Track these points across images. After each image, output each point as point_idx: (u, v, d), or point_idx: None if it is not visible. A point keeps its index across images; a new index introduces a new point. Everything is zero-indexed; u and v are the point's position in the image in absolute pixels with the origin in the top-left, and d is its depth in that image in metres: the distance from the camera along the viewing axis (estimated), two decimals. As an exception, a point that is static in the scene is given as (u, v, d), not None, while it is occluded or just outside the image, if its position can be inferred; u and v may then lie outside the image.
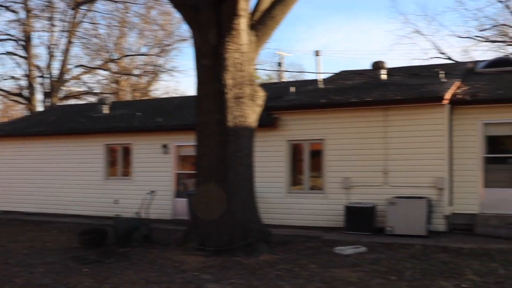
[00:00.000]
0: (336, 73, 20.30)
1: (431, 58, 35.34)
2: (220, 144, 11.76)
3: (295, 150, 16.15)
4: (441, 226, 13.98)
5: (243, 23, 11.87)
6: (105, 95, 35.48)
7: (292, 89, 17.57)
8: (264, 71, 46.46)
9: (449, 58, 34.44)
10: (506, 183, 14.23)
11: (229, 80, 11.78)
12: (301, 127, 15.80)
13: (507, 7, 34.39)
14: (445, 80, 15.77)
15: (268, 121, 15.73)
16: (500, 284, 8.59)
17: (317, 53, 18.86)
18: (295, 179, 16.18)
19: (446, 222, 14.07)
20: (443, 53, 36.06)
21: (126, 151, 19.09)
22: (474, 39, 35.51)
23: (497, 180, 14.29)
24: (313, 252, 11.62)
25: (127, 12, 37.52)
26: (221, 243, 11.23)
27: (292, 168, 16.13)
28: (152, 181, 17.63)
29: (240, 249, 11.12)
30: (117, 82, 39.68)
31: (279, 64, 26.57)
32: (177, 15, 32.89)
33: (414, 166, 14.30)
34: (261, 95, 12.35)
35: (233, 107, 11.76)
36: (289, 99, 16.67)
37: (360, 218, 14.19)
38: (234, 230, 11.43)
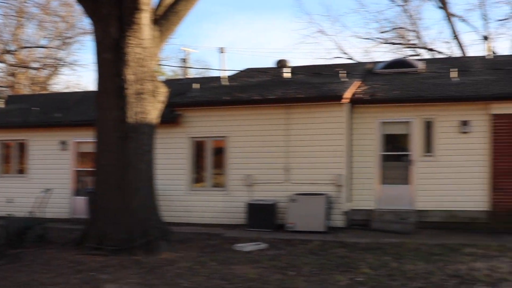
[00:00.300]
0: (240, 71, 20.37)
1: (334, 57, 36.28)
2: (120, 140, 11.47)
3: (198, 147, 16.04)
4: (340, 222, 14.35)
5: (145, 17, 11.63)
6: (0, 88, 33.76)
7: (196, 85, 17.46)
8: (170, 67, 46.01)
9: (351, 58, 35.54)
10: (400, 179, 14.83)
11: (130, 76, 11.51)
12: (204, 124, 15.73)
13: (406, 11, 35.91)
14: (345, 79, 16.21)
15: (170, 117, 15.54)
16: (391, 276, 8.92)
17: (221, 50, 18.83)
18: (198, 177, 16.08)
19: (344, 218, 14.46)
20: (345, 53, 37.14)
21: (22, 147, 18.25)
22: (375, 40, 36.84)
23: (392, 177, 14.88)
24: (214, 249, 11.59)
25: (25, 2, 35.86)
26: (120, 242, 10.94)
27: (195, 165, 16.02)
28: (49, 179, 16.94)
29: (140, 247, 10.89)
30: (13, 75, 37.84)
31: (184, 60, 26.28)
32: (78, 7, 31.82)
33: (315, 163, 14.60)
34: (163, 91, 12.15)
35: (133, 103, 11.50)
36: (192, 95, 16.54)
37: (262, 215, 14.31)
38: (133, 228, 11.18)
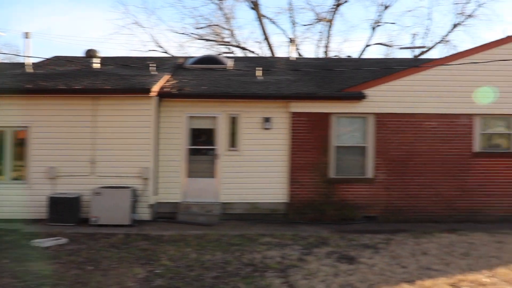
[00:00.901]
0: (47, 59, 19.45)
1: (149, 50, 36.18)
2: None
3: (-4, 138, 15.02)
4: (146, 215, 14.35)
5: None
6: None
7: (-5, 71, 16.36)
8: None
9: (166, 52, 35.64)
10: (206, 173, 15.22)
11: None
12: (4, 113, 14.71)
13: (221, 9, 36.85)
14: (155, 73, 16.26)
15: (-36, 105, 14.39)
16: (190, 267, 9.18)
17: (26, 35, 17.79)
18: (-4, 169, 15.07)
19: (151, 211, 14.49)
20: (160, 47, 37.21)
21: None
22: (190, 36, 37.29)
23: (199, 171, 15.21)
24: (9, 246, 10.94)
25: None
26: None
27: (-8, 156, 14.98)
28: None
29: None
30: None
31: (-14, 44, 24.44)
32: None
33: (122, 156, 14.41)
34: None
35: None
36: (-9, 82, 15.44)
37: (65, 209, 13.82)
38: None
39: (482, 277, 8.94)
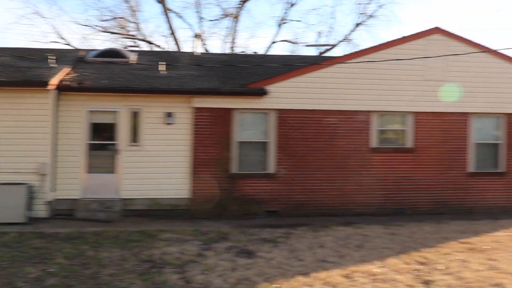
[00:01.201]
0: None
1: (51, 42, 34.99)
2: None
3: None
4: (42, 212, 13.86)
5: None
6: None
7: None
8: None
9: (69, 44, 34.58)
10: (107, 168, 14.88)
11: None
12: None
13: (126, 1, 36.13)
14: (54, 65, 15.73)
15: None
16: (86, 265, 8.99)
17: None
18: None
19: (48, 208, 14.01)
20: (63, 38, 36.03)
21: None
22: (94, 28, 36.34)
23: (99, 166, 14.85)
24: None
25: None
26: None
27: None
28: None
29: None
30: None
31: None
32: None
33: (17, 151, 13.82)
34: None
35: None
36: None
37: (-46, 207, 13.12)
38: None
39: (374, 267, 9.32)
